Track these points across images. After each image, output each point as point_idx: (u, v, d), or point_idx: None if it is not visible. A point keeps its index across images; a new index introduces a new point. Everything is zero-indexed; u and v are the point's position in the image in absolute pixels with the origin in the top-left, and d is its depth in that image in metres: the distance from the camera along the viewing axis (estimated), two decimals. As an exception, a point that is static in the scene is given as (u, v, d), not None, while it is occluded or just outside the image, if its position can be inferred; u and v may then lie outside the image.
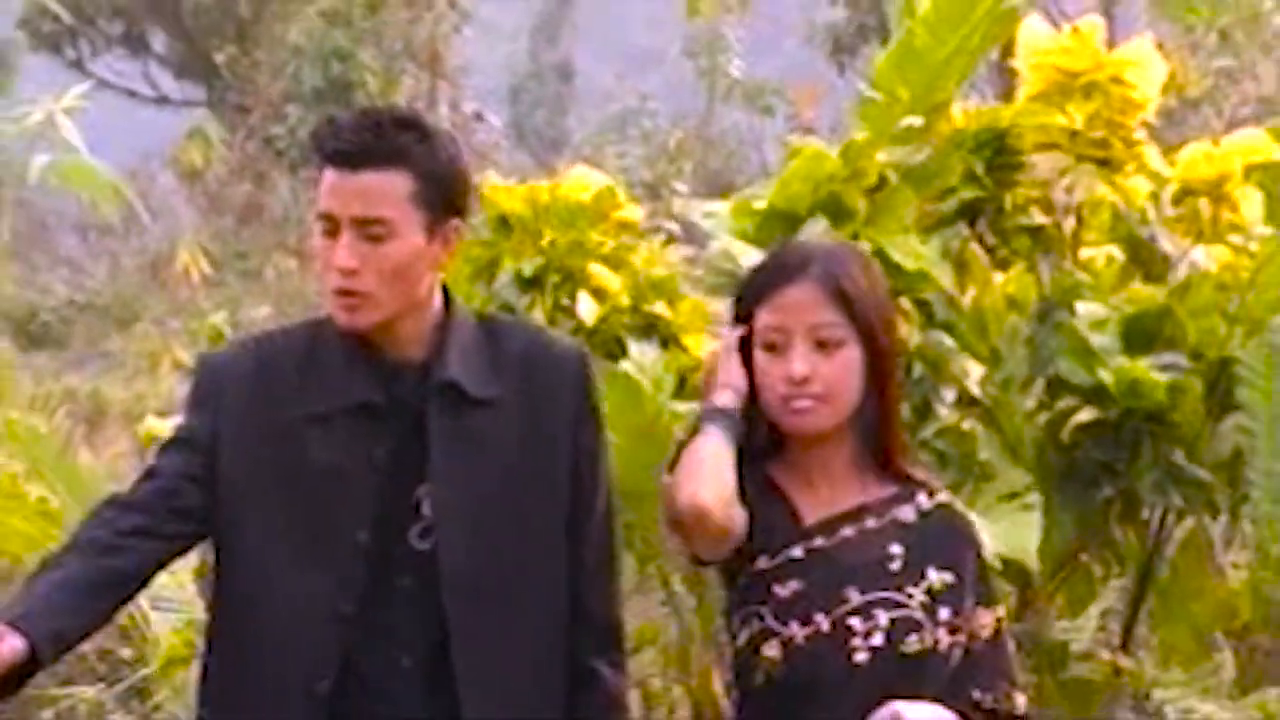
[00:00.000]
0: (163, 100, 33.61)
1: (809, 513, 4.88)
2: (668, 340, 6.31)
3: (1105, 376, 6.28)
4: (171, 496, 4.93)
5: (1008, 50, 6.49)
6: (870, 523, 4.88)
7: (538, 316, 6.40)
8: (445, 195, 4.87)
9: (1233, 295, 6.41)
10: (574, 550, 5.01)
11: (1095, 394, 6.31)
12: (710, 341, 6.33)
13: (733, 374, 4.93)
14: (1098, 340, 6.32)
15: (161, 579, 7.07)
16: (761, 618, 4.84)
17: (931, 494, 4.96)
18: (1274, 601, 6.70)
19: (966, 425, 5.82)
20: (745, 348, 4.93)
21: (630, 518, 6.39)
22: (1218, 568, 6.71)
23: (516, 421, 4.92)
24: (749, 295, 4.92)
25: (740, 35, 30.39)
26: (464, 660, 4.90)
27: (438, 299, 4.96)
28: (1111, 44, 6.45)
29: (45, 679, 13.49)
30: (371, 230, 4.83)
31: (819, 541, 4.86)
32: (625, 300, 6.33)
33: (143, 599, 7.21)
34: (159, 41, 32.83)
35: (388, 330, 4.90)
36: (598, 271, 6.31)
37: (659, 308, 6.37)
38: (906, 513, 4.91)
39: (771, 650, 4.81)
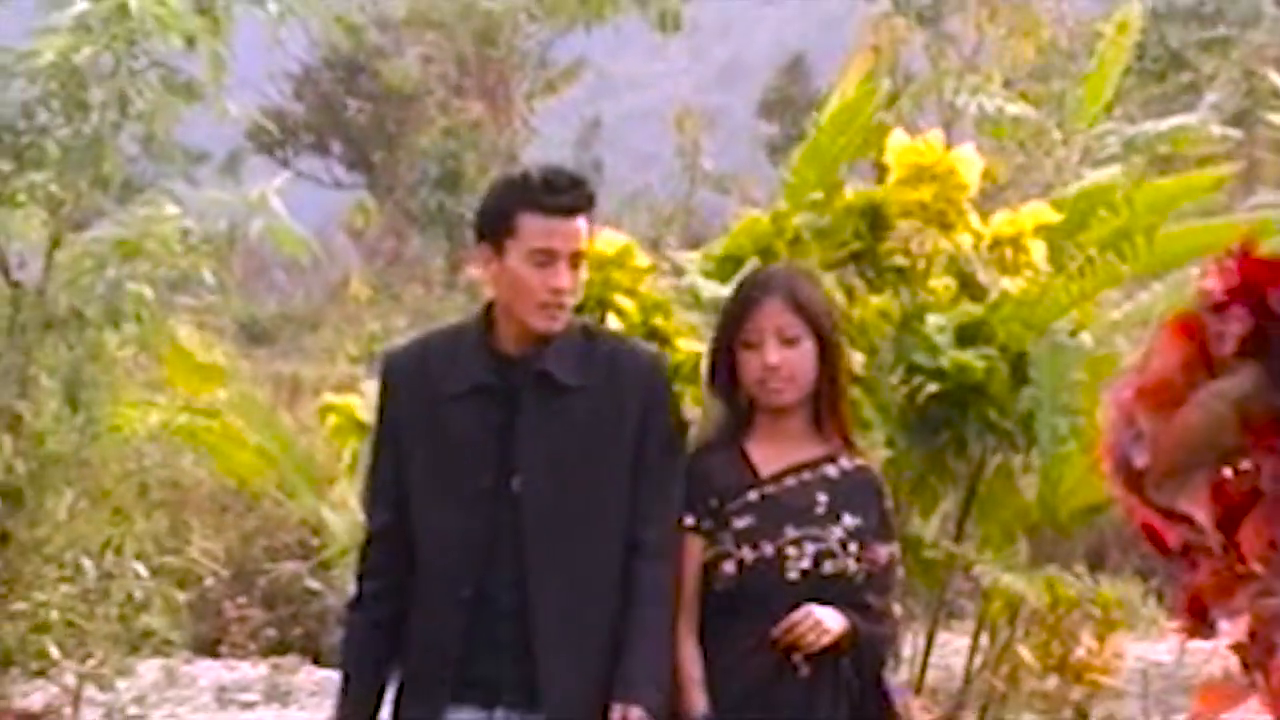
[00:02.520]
0: (337, 185, 34.73)
1: (765, 467, 4.86)
2: (664, 341, 6.43)
3: (944, 363, 6.49)
4: (394, 504, 4.84)
5: (880, 150, 6.61)
6: (806, 475, 4.86)
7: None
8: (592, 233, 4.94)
9: (1027, 310, 6.49)
10: (636, 501, 4.74)
11: (937, 374, 6.51)
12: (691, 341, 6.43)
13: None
14: (939, 339, 6.52)
15: (338, 490, 7.14)
16: (722, 542, 4.80)
17: (853, 457, 4.93)
18: (1054, 508, 6.81)
19: (854, 394, 5.94)
20: (732, 348, 4.89)
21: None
22: (1017, 486, 6.83)
23: (598, 403, 4.75)
24: (735, 308, 4.94)
25: (709, 141, 30.88)
26: (534, 571, 4.70)
27: None
28: (948, 147, 6.56)
29: (259, 555, 13.61)
30: (576, 260, 4.76)
31: (769, 489, 4.83)
32: (637, 317, 6.46)
33: (324, 506, 7.28)
34: (336, 147, 33.96)
35: (515, 332, 4.79)
36: (619, 299, 6.43)
37: (659, 321, 6.50)
38: (832, 471, 4.87)
39: (729, 567, 4.79)
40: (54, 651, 7.43)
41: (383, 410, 4.90)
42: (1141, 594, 9.30)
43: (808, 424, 4.88)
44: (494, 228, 4.74)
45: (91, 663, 7.53)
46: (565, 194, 4.72)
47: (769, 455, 4.85)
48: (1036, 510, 6.97)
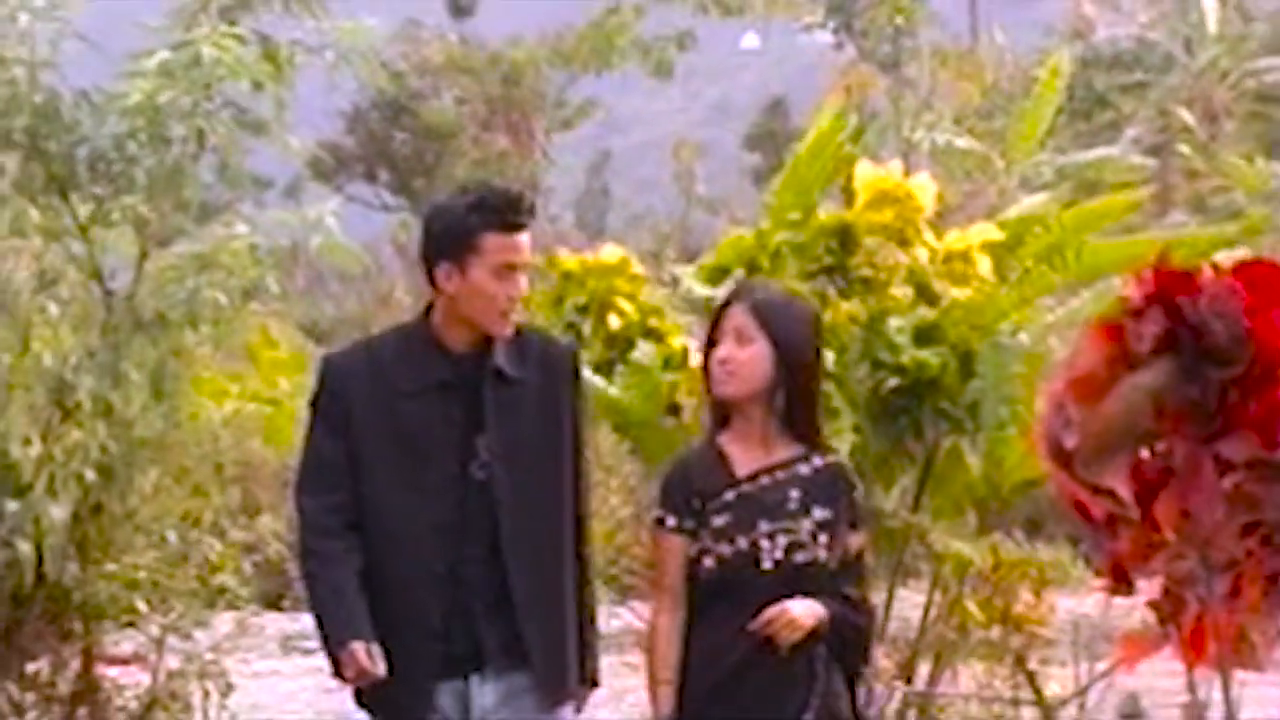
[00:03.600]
0: (384, 207, 34.63)
1: (741, 468, 4.65)
2: (659, 339, 6.43)
3: (904, 360, 6.52)
4: (349, 489, 4.57)
5: (848, 178, 6.59)
6: (780, 475, 4.65)
7: (587, 328, 6.47)
8: None
9: (974, 315, 6.48)
10: (574, 475, 4.72)
11: (898, 370, 6.54)
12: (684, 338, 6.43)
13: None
14: (899, 340, 6.53)
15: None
16: (702, 539, 4.62)
17: (824, 455, 4.73)
18: (997, 484, 6.79)
19: (826, 387, 5.92)
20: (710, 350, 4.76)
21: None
22: (966, 465, 6.81)
23: (536, 393, 4.63)
24: (712, 314, 4.82)
25: (702, 170, 30.86)
26: (509, 548, 4.56)
27: None
28: (906, 175, 6.55)
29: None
30: (527, 270, 4.64)
31: (745, 488, 4.64)
32: (635, 318, 6.47)
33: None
34: (383, 175, 33.92)
35: (464, 334, 4.61)
36: (620, 302, 6.42)
37: (654, 321, 6.50)
38: (804, 469, 4.66)
39: (709, 561, 4.61)
40: (141, 606, 7.42)
41: (327, 406, 4.62)
42: (1071, 557, 9.24)
43: (779, 427, 4.67)
44: (457, 246, 4.55)
45: (173, 615, 7.52)
46: (521, 214, 4.57)
47: (745, 457, 4.66)
48: (982, 485, 6.96)
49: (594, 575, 4.82)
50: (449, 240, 4.57)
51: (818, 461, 4.68)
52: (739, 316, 4.65)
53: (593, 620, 4.77)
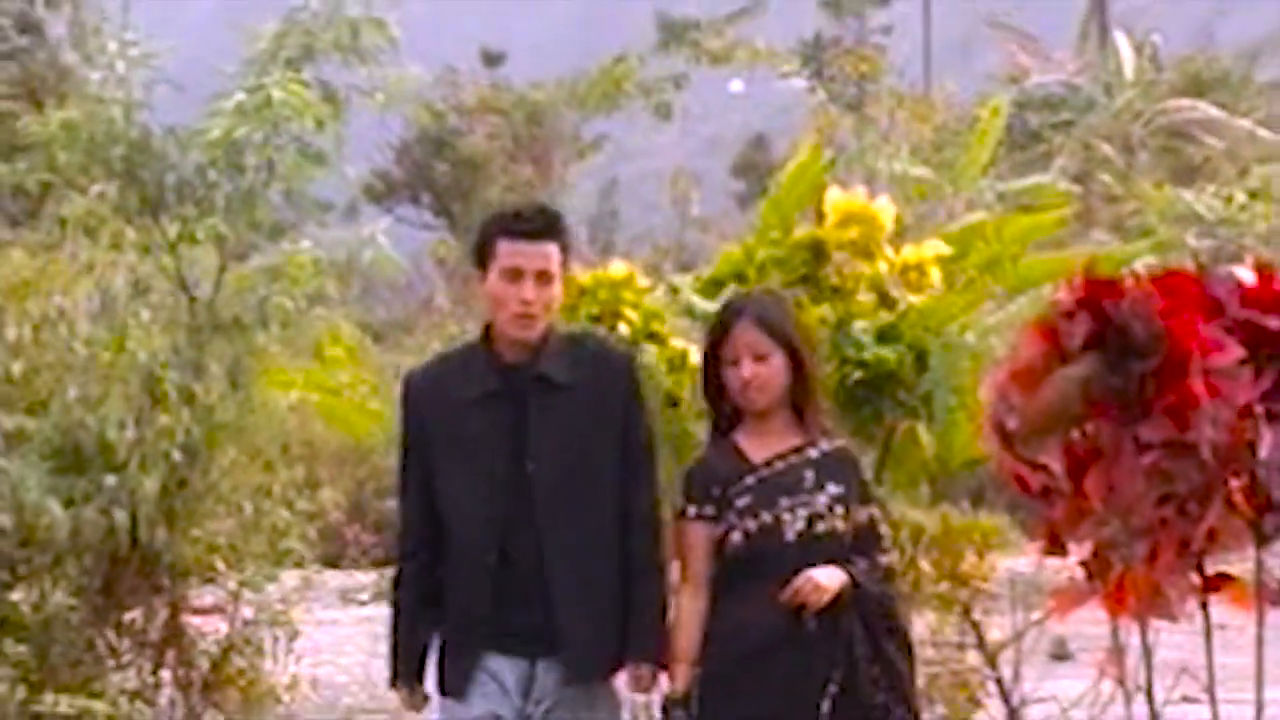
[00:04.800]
0: (426, 227, 34.52)
1: (756, 456, 4.42)
2: (660, 342, 6.38)
3: (867, 356, 6.37)
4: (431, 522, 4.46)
5: (820, 202, 6.55)
6: (793, 459, 4.42)
7: (600, 332, 6.42)
8: (567, 259, 4.45)
9: (927, 318, 6.43)
10: (624, 476, 4.41)
11: (861, 365, 6.43)
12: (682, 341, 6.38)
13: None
14: (863, 339, 6.43)
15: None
16: (728, 519, 4.38)
17: (832, 440, 4.50)
18: (946, 461, 6.75)
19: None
20: (716, 365, 4.47)
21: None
22: (920, 446, 6.77)
23: (586, 398, 4.39)
24: (715, 331, 4.52)
25: (696, 195, 30.77)
26: (547, 537, 4.33)
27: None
28: (870, 200, 6.50)
29: (370, 494, 13.38)
30: (543, 278, 4.35)
31: (763, 472, 4.40)
32: (640, 323, 6.40)
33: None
34: (425, 199, 33.80)
35: (510, 344, 4.42)
36: (627, 311, 6.37)
37: (656, 325, 6.45)
38: (814, 453, 4.42)
39: (736, 537, 4.36)
40: (220, 565, 7.39)
41: (408, 419, 4.51)
42: (1010, 523, 9.23)
43: (789, 420, 4.46)
44: (480, 254, 4.42)
45: (247, 573, 7.49)
46: (529, 222, 4.37)
47: (759, 447, 4.44)
48: (934, 463, 6.89)
49: (662, 567, 4.44)
50: (477, 250, 4.45)
51: (825, 446, 4.47)
52: (750, 334, 4.41)
53: (648, 601, 4.38)
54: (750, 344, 4.39)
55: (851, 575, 4.33)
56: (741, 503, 4.37)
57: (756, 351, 4.39)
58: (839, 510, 4.39)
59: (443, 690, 4.45)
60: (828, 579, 4.30)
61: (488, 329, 4.47)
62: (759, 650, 4.29)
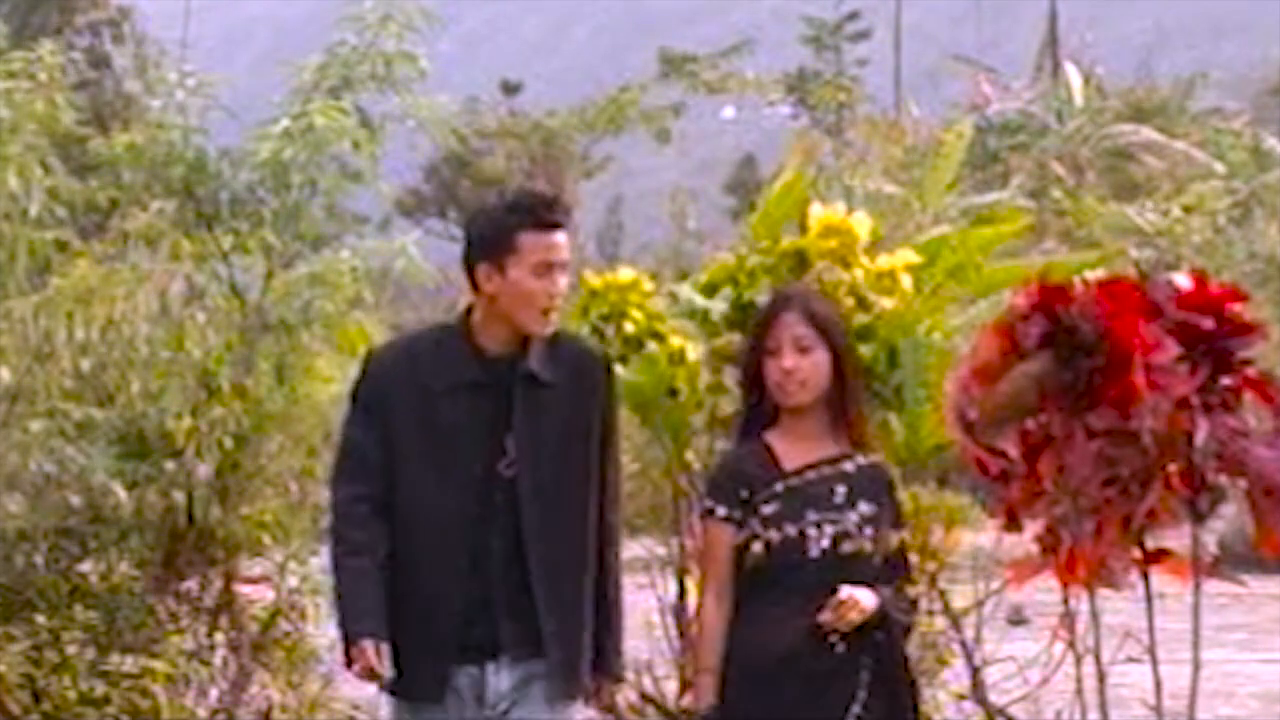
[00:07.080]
0: (452, 239, 34.40)
1: (788, 462, 3.92)
2: (661, 340, 6.35)
3: (845, 353, 6.30)
4: (380, 478, 3.84)
5: (804, 216, 6.52)
6: (826, 470, 3.92)
7: (609, 332, 6.40)
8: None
9: (899, 319, 6.42)
10: (602, 485, 3.94)
11: (841, 361, 6.33)
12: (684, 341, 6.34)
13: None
14: (842, 338, 6.35)
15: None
16: (751, 527, 3.88)
17: (868, 455, 4.03)
18: (915, 448, 6.73)
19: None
20: (758, 355, 3.98)
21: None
22: (892, 433, 6.74)
23: (567, 397, 3.89)
24: (760, 320, 4.06)
25: (692, 210, 31.00)
26: (531, 543, 3.82)
27: None
28: (848, 214, 6.48)
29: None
30: (565, 270, 3.88)
31: (793, 481, 3.90)
32: (644, 324, 6.35)
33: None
34: (452, 214, 33.72)
35: (501, 336, 3.89)
36: (632, 312, 6.32)
37: (658, 325, 6.41)
38: (849, 466, 3.94)
39: (757, 547, 3.86)
40: (267, 540, 7.40)
41: (369, 395, 3.88)
42: (972, 503, 9.21)
43: (826, 425, 3.97)
44: (496, 247, 3.82)
45: (292, 547, 7.50)
46: (555, 213, 3.86)
47: (792, 452, 3.94)
48: (904, 449, 6.81)
49: (621, 574, 4.01)
50: (488, 241, 3.85)
51: (861, 460, 3.98)
52: (797, 326, 3.95)
53: (618, 617, 3.97)
54: (795, 335, 3.94)
55: (882, 601, 3.87)
56: (767, 510, 3.90)
57: (800, 343, 3.93)
58: (868, 531, 3.93)
59: (392, 691, 3.85)
60: (865, 599, 3.83)
61: (467, 315, 3.93)
62: (778, 668, 3.81)
